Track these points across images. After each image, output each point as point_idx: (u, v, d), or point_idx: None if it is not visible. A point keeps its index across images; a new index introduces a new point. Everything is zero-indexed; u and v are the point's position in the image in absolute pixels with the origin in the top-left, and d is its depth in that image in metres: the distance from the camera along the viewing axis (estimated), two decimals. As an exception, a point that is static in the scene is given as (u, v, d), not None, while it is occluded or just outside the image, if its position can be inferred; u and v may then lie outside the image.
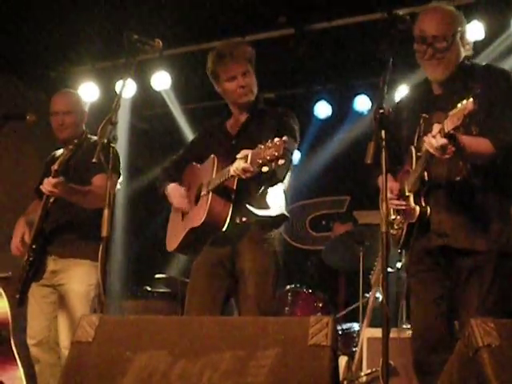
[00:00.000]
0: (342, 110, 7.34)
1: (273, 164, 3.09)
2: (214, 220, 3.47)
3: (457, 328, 3.43)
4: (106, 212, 3.01)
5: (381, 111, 2.84)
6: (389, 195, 3.19)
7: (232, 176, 3.35)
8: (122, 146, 4.33)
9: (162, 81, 6.55)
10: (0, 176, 3.99)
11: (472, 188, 3.10)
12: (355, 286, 5.66)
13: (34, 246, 3.99)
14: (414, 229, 3.17)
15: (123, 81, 3.34)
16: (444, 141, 2.83)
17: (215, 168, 3.55)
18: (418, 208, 3.11)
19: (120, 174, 4.14)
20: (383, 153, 2.82)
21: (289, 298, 5.71)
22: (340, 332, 5.57)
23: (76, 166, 4.05)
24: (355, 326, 5.58)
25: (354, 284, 5.72)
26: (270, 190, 3.64)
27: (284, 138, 3.07)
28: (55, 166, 3.93)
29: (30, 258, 3.98)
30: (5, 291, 3.78)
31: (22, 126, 4.18)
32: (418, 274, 3.24)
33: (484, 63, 3.35)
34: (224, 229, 3.48)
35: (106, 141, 3.07)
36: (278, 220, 3.71)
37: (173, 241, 3.80)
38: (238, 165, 3.23)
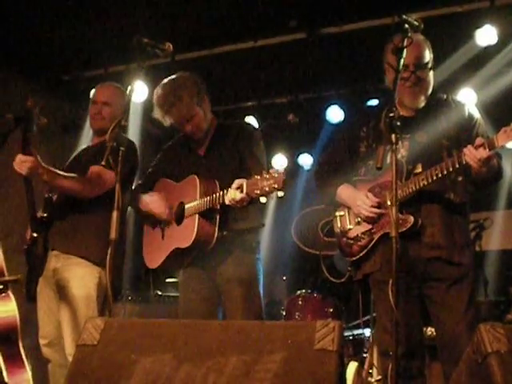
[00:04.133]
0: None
1: (271, 195, 3.17)
2: (203, 240, 3.58)
3: (433, 334, 3.59)
4: (114, 214, 2.99)
5: (391, 115, 2.82)
6: (368, 202, 3.22)
7: (223, 202, 3.43)
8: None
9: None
10: (11, 178, 3.98)
11: (461, 205, 3.27)
12: (368, 292, 5.61)
13: (34, 235, 3.93)
14: (386, 238, 3.16)
15: (132, 85, 3.32)
16: (490, 153, 2.95)
17: (198, 189, 3.62)
18: (411, 218, 3.12)
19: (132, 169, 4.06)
20: (393, 156, 2.81)
21: (299, 302, 5.70)
22: (351, 337, 5.55)
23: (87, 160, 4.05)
24: (366, 332, 5.55)
25: (368, 290, 5.67)
26: None
27: (282, 170, 3.13)
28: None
29: (25, 247, 3.93)
30: (14, 294, 3.74)
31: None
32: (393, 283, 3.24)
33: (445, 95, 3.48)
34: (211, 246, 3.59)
35: (114, 144, 3.06)
36: (257, 229, 3.89)
37: (154, 258, 3.88)
38: (234, 195, 3.30)
